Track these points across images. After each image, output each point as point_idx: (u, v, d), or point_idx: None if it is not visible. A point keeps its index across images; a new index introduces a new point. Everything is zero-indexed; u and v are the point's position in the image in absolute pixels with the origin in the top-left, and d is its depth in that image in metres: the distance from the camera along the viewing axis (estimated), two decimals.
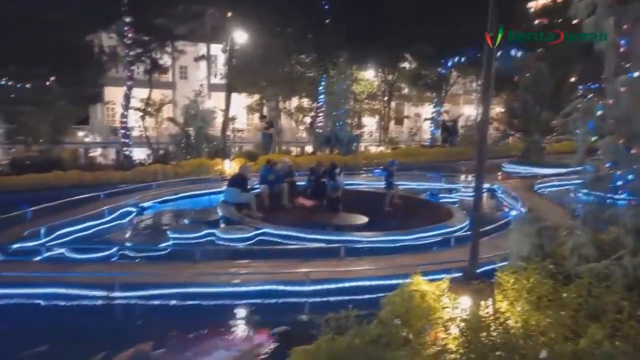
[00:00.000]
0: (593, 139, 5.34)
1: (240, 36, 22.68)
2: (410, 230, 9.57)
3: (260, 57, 22.96)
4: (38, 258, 8.23)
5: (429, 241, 9.26)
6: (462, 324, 3.94)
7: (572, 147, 5.89)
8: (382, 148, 29.44)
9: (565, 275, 4.80)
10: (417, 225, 9.81)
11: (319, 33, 25.54)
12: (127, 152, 21.89)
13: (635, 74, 5.11)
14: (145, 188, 14.47)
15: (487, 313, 4.18)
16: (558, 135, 21.17)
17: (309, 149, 28.49)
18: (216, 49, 27.83)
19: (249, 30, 22.48)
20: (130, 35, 21.41)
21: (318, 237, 9.32)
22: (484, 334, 3.79)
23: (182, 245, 9.30)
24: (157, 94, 25.50)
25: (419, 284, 4.70)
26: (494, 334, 3.82)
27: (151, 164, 18.75)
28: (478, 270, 4.98)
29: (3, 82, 18.48)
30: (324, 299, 6.85)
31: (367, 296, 6.14)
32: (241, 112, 29.84)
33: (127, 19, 21.10)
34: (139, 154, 23.49)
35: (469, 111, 39.03)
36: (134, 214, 12.08)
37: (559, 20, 22.03)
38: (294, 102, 30.29)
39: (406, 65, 31.77)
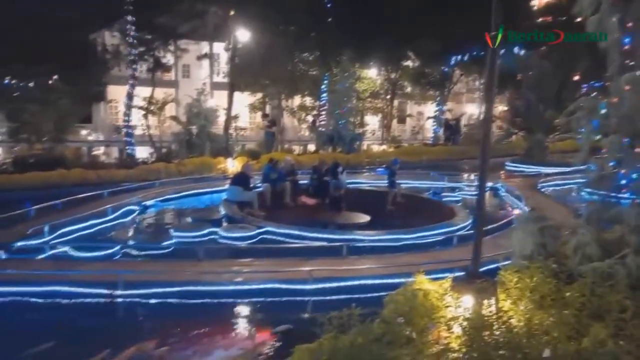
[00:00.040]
0: (597, 137, 5.33)
1: (243, 34, 22.62)
2: (413, 229, 9.57)
3: (263, 55, 22.87)
4: (41, 256, 8.26)
5: (432, 240, 9.26)
6: (465, 323, 3.93)
7: (575, 146, 5.84)
8: (384, 146, 29.35)
9: (568, 274, 4.79)
10: (419, 224, 9.82)
11: (321, 31, 25.47)
12: (130, 151, 21.91)
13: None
14: (148, 186, 14.49)
15: (490, 312, 4.16)
16: (561, 134, 21.00)
17: (311, 147, 28.41)
18: (219, 47, 27.74)
19: (252, 29, 22.42)
20: (133, 33, 21.45)
21: (320, 235, 9.34)
22: (487, 332, 3.79)
23: (185, 244, 9.32)
24: (160, 93, 25.52)
25: (421, 283, 4.69)
26: (497, 333, 3.81)
27: (154, 163, 18.75)
28: (481, 269, 4.96)
29: (7, 81, 18.49)
30: (327, 297, 6.84)
31: (369, 295, 6.12)
32: (244, 110, 29.81)
33: (130, 18, 21.12)
34: (142, 152, 23.50)
35: (472, 110, 38.96)
36: (136, 213, 12.11)
37: (563, 18, 21.94)
38: (297, 100, 30.23)
39: (409, 63, 31.69)
